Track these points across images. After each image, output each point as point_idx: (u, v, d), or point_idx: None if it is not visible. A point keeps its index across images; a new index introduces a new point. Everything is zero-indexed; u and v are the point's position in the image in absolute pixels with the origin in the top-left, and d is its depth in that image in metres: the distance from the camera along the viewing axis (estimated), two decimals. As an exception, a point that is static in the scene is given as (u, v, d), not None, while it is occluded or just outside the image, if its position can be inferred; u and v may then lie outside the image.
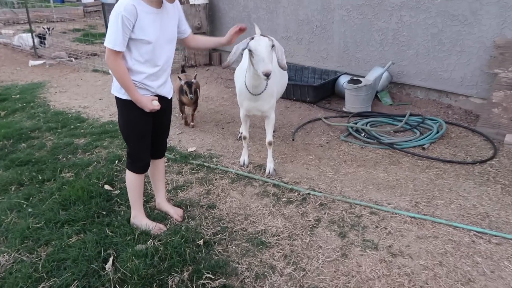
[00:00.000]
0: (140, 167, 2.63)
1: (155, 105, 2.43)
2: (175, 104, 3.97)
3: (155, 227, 2.70)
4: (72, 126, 4.56)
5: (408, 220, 2.80)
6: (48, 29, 9.02)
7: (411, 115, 4.46)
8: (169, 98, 2.64)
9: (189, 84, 4.17)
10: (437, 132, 4.07)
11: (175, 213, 2.88)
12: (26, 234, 2.64)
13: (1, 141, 4.13)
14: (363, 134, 4.13)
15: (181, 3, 7.54)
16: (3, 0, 13.33)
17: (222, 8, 7.35)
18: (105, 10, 7.44)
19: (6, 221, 2.81)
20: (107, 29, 2.29)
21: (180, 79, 4.28)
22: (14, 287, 2.21)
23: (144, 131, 2.54)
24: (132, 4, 2.21)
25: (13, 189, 3.25)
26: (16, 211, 2.94)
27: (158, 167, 2.87)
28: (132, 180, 2.67)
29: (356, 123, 4.38)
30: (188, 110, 4.62)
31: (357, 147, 3.99)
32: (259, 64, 2.73)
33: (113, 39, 2.22)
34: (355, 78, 4.98)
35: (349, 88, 4.83)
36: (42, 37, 8.81)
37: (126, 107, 2.45)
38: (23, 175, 3.42)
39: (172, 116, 2.86)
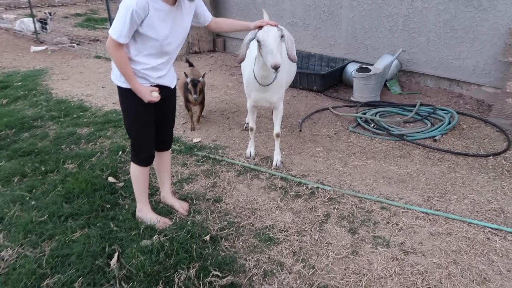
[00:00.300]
0: (143, 159, 2.55)
1: (155, 96, 2.35)
2: (179, 93, 3.86)
3: (160, 221, 2.65)
4: (75, 115, 4.48)
5: (420, 215, 2.72)
6: (50, 13, 8.86)
7: (421, 105, 4.35)
8: (172, 87, 2.56)
9: (194, 83, 3.75)
10: (449, 123, 3.96)
11: (181, 207, 2.82)
12: (29, 228, 2.59)
13: (3, 130, 4.06)
14: (372, 125, 4.03)
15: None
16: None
17: (226, -7, 7.16)
18: (107, -6, 7.29)
19: (9, 214, 2.76)
20: (114, 17, 2.20)
21: (186, 75, 3.84)
22: (18, 283, 2.16)
23: (145, 121, 2.46)
24: (145, 0, 2.11)
25: (15, 180, 3.19)
26: (19, 203, 2.88)
27: (163, 159, 2.79)
28: (136, 172, 2.59)
29: (364, 113, 4.27)
30: (194, 108, 4.24)
31: (366, 138, 3.89)
32: (267, 56, 2.62)
33: (118, 31, 2.13)
34: (364, 66, 4.85)
35: (358, 77, 4.70)
36: (43, 22, 8.66)
37: (126, 96, 2.37)
38: (25, 166, 3.36)
39: (176, 105, 2.76)
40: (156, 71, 2.36)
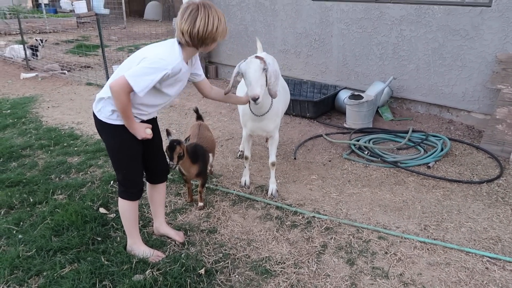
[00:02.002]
0: (134, 193, 2.48)
1: (148, 133, 2.34)
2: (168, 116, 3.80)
3: (153, 254, 2.56)
4: (65, 144, 4.41)
5: (418, 245, 2.69)
6: (41, 41, 8.87)
7: (413, 131, 4.38)
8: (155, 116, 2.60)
9: (171, 146, 2.65)
10: (442, 149, 3.98)
11: (176, 234, 2.75)
12: (16, 264, 2.48)
13: (-10, 159, 3.97)
14: (366, 152, 4.03)
15: (174, 15, 7.47)
16: (-5, 11, 13.17)
17: (218, 21, 7.26)
18: (99, 21, 7.32)
19: (-6, 249, 2.65)
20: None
21: (168, 133, 2.73)
22: (2, 325, 2.05)
23: (135, 153, 2.41)
24: (180, 65, 2.16)
25: (2, 212, 3.08)
26: (5, 237, 2.77)
27: (159, 191, 2.73)
28: (126, 208, 2.51)
29: (358, 140, 4.28)
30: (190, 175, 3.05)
31: (361, 165, 3.88)
32: (248, 87, 2.66)
33: (143, 86, 2.08)
34: (356, 93, 4.90)
35: (351, 104, 4.75)
36: (34, 49, 8.66)
37: (116, 131, 2.30)
38: (13, 197, 3.26)
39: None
40: (148, 115, 2.42)
